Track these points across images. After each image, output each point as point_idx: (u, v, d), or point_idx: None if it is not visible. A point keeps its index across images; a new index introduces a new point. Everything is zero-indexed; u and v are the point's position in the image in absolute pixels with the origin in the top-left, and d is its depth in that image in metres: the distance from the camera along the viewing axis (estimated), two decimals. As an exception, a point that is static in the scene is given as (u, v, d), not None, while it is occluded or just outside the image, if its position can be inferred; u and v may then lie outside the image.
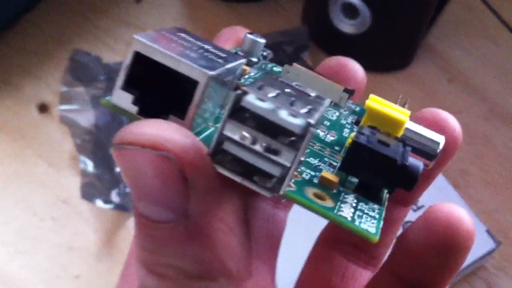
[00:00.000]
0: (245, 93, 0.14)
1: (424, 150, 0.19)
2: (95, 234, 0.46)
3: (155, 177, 0.14)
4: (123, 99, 0.15)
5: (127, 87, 0.15)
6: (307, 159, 0.18)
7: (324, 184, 0.17)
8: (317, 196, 0.16)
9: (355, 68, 0.24)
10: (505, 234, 0.47)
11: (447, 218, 0.18)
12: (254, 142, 0.14)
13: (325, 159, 0.18)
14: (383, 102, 0.19)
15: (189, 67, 0.15)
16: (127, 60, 0.15)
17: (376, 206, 0.17)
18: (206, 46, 0.17)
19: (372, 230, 0.16)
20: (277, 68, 0.24)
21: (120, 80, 0.15)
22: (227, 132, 0.14)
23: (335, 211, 0.16)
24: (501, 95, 0.55)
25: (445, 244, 0.18)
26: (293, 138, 0.14)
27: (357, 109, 0.23)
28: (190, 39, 0.17)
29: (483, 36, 0.60)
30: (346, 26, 0.53)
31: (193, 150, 0.14)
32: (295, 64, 0.23)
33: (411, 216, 0.47)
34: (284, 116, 0.14)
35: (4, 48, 0.56)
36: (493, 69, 0.57)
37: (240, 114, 0.14)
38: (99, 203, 0.46)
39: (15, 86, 0.54)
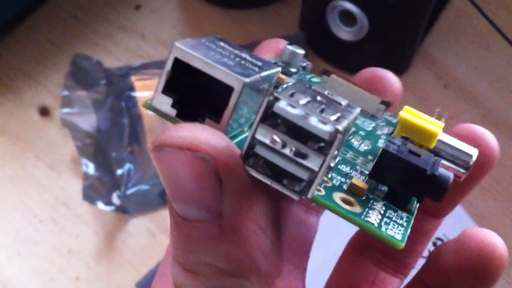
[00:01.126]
0: (276, 99, 0.15)
1: (457, 162, 0.19)
2: (95, 236, 0.46)
3: (191, 178, 0.15)
4: (163, 103, 0.16)
5: (166, 91, 0.16)
6: (338, 166, 0.18)
7: (353, 190, 0.17)
8: (345, 201, 0.17)
9: (392, 80, 0.24)
10: (500, 238, 0.47)
11: (480, 244, 0.18)
12: (284, 146, 0.15)
13: (357, 167, 0.19)
14: (417, 114, 0.19)
15: (225, 73, 0.16)
16: (167, 65, 0.16)
17: (404, 215, 0.17)
18: (243, 55, 0.18)
19: (398, 236, 0.16)
20: (315, 79, 0.24)
21: (160, 84, 0.16)
22: (259, 136, 0.15)
23: (362, 216, 0.16)
24: (495, 101, 0.56)
25: (476, 270, 0.18)
26: (322, 144, 0.15)
27: (394, 120, 0.23)
28: (228, 47, 0.18)
29: (478, 43, 0.60)
30: (344, 33, 0.53)
31: (227, 152, 0.15)
32: (333, 75, 0.23)
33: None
34: (314, 122, 0.15)
35: (5, 52, 0.56)
36: (487, 75, 0.58)
37: (271, 119, 0.15)
38: (100, 205, 0.46)
39: (16, 90, 0.54)
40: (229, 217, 0.15)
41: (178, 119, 0.16)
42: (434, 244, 0.48)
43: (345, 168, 0.18)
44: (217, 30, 0.59)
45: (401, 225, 0.17)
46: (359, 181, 0.17)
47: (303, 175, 0.15)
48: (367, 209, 0.17)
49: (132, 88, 0.50)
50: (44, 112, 0.53)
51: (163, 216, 0.47)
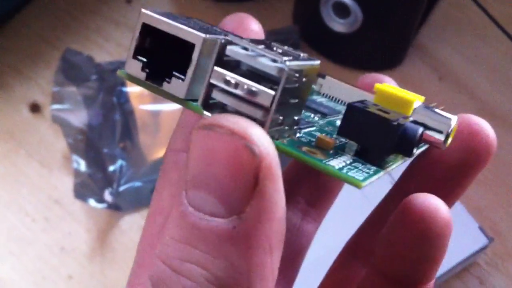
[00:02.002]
0: (229, 42, 0.15)
1: (435, 128, 0.18)
2: (88, 234, 0.46)
3: (230, 166, 0.14)
4: (133, 67, 0.17)
5: (136, 56, 0.17)
6: (311, 131, 0.18)
7: (320, 145, 0.17)
8: (310, 151, 0.17)
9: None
10: (497, 230, 0.47)
11: (422, 207, 0.18)
12: (237, 86, 0.15)
13: (334, 135, 0.19)
14: (396, 87, 0.19)
15: (186, 31, 0.16)
16: (136, 31, 0.17)
17: (373, 168, 0.17)
18: (214, 28, 0.18)
19: (360, 177, 0.16)
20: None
21: (130, 50, 0.17)
22: (213, 80, 0.15)
23: (324, 161, 0.16)
24: (490, 93, 0.56)
25: (422, 234, 0.18)
26: (273, 83, 0.15)
27: None
28: (199, 22, 0.18)
29: (473, 35, 0.60)
30: (337, 25, 0.53)
31: (274, 155, 0.14)
32: (328, 77, 0.23)
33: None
34: (264, 60, 0.15)
35: (-5, 48, 0.56)
36: (483, 67, 0.58)
37: (226, 63, 0.16)
38: (92, 202, 0.46)
39: (6, 87, 0.53)
40: (248, 222, 0.14)
41: (148, 82, 0.17)
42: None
43: (317, 133, 0.18)
44: (210, 24, 0.58)
45: (366, 172, 0.17)
46: (326, 136, 0.17)
47: (257, 114, 0.15)
48: (331, 158, 0.17)
49: (123, 83, 0.50)
50: (35, 108, 0.52)
51: (157, 213, 0.47)
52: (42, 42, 0.56)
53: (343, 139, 0.18)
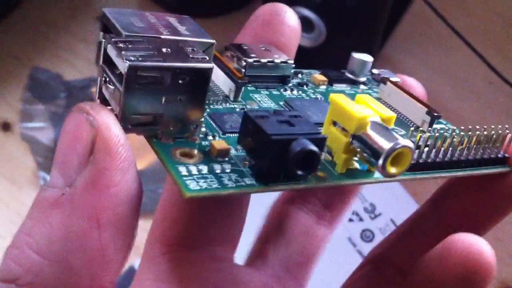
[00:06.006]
0: (109, 42, 0.16)
1: (375, 150, 0.17)
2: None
3: (69, 138, 0.15)
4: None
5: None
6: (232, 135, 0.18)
7: (212, 151, 0.17)
8: (184, 154, 0.16)
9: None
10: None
11: (467, 248, 0.17)
12: (106, 82, 0.16)
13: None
14: (368, 101, 0.18)
15: (114, 28, 0.17)
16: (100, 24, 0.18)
17: (247, 180, 0.16)
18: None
19: (193, 186, 0.15)
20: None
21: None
22: (98, 75, 0.17)
23: (178, 164, 0.16)
24: (455, 103, 0.57)
25: (464, 275, 0.17)
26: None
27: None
28: (177, 26, 0.18)
29: (438, 47, 0.61)
30: (303, 39, 0.53)
31: (115, 132, 0.15)
32: (388, 83, 0.23)
33: (369, 224, 0.47)
34: (120, 57, 0.15)
35: (-36, 67, 0.56)
36: (447, 78, 0.59)
37: (111, 62, 0.16)
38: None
39: (-24, 105, 0.53)
40: (75, 189, 0.15)
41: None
42: (361, 236, 0.47)
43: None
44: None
45: (223, 185, 0.16)
46: (219, 142, 0.17)
47: (115, 109, 0.16)
48: (205, 166, 0.16)
49: (93, 100, 0.50)
50: (6, 127, 0.52)
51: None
52: (12, 60, 0.57)
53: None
